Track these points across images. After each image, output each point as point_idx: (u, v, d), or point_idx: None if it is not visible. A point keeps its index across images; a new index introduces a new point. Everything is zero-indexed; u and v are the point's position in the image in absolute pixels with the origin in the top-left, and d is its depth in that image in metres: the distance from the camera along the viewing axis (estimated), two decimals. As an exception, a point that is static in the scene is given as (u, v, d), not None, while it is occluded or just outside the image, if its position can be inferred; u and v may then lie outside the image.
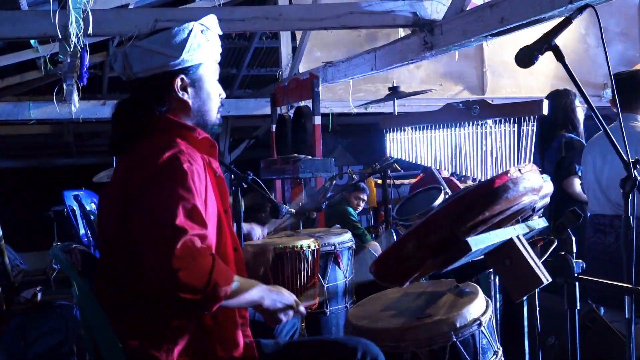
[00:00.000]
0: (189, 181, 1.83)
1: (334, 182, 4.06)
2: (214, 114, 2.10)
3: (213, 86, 2.09)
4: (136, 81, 2.03)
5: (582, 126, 4.19)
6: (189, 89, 2.03)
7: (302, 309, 2.08)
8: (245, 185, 3.14)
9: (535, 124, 3.49)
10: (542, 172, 3.01)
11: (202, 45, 2.02)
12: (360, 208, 6.18)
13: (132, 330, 1.89)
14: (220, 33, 2.11)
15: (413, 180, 6.09)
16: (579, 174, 3.90)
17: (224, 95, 2.15)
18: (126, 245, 1.87)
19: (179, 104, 2.03)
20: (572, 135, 4.08)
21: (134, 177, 1.90)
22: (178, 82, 2.00)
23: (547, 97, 4.18)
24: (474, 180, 4.48)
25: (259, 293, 1.96)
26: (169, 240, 1.74)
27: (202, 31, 2.02)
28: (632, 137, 3.33)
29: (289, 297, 2.05)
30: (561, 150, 3.93)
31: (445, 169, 4.35)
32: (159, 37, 2.02)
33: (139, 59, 2.00)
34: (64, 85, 6.02)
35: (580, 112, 4.27)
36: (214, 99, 2.09)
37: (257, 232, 3.80)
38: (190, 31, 2.00)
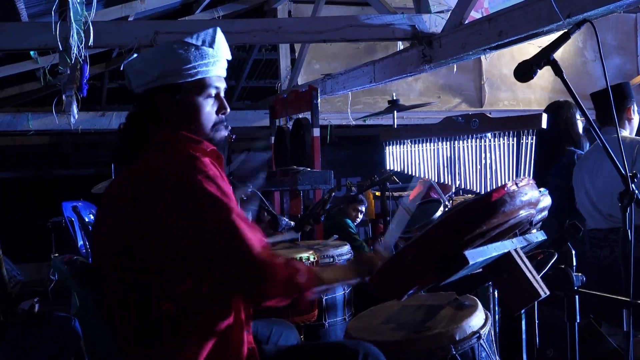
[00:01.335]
0: (224, 187, 1.85)
1: (333, 194, 4.07)
2: (205, 130, 2.05)
3: (202, 102, 2.03)
4: (137, 96, 2.06)
5: (585, 140, 4.18)
6: (176, 105, 2.01)
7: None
8: (245, 197, 3.15)
9: (534, 137, 3.50)
10: (546, 187, 3.02)
11: (188, 62, 1.98)
12: (358, 220, 6.19)
13: (138, 342, 1.89)
14: (214, 48, 2.04)
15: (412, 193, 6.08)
16: None
17: (226, 111, 2.09)
18: (134, 263, 1.87)
19: (173, 118, 2.02)
20: (580, 151, 4.07)
21: (155, 195, 1.86)
22: (165, 97, 2.00)
23: (547, 109, 4.18)
24: (465, 192, 4.46)
25: (346, 275, 2.06)
26: (243, 258, 1.78)
27: (187, 47, 1.98)
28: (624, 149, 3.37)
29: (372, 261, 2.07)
30: (572, 166, 3.88)
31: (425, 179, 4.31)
32: (146, 54, 2.06)
33: (133, 76, 2.05)
34: (64, 97, 6.03)
35: (580, 125, 4.28)
36: (203, 115, 2.03)
37: None
38: (174, 48, 1.99)
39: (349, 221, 5.81)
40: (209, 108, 2.05)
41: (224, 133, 2.10)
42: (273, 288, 1.81)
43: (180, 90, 2.00)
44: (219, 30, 2.07)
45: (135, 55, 2.12)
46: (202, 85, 2.03)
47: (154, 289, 1.86)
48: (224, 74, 2.10)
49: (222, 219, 1.81)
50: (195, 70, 2.00)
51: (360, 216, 6.20)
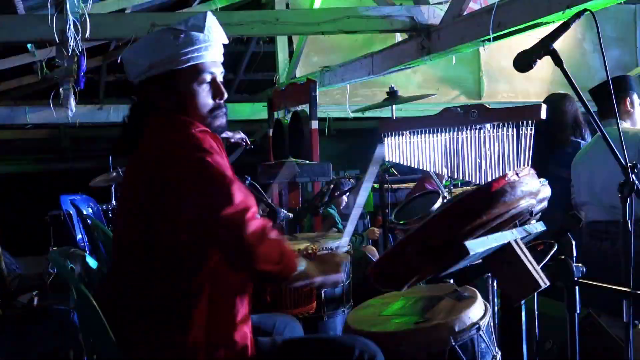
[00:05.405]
0: (221, 162, 1.86)
1: (332, 186, 4.05)
2: (202, 117, 2.02)
3: (196, 89, 2.00)
4: (134, 87, 2.07)
5: (587, 132, 4.18)
6: (171, 93, 1.99)
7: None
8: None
9: (533, 128, 3.48)
10: (549, 177, 3.05)
11: (177, 49, 1.95)
12: (344, 202, 6.09)
13: (138, 332, 1.90)
14: (204, 32, 1.98)
15: (411, 185, 6.07)
16: None
17: (223, 96, 2.05)
18: (147, 247, 1.90)
19: (169, 106, 2.00)
20: (584, 142, 4.06)
21: (164, 176, 1.87)
22: (158, 86, 1.99)
23: (546, 101, 4.16)
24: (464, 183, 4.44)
25: (314, 273, 2.03)
26: (237, 223, 1.80)
27: (176, 34, 1.95)
28: (629, 141, 3.38)
29: (336, 268, 2.09)
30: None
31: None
32: (136, 45, 2.05)
33: (129, 68, 2.05)
34: (61, 90, 6.01)
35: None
36: (199, 102, 2.01)
37: None
38: (162, 37, 1.97)
39: (334, 212, 5.73)
40: (204, 94, 2.02)
41: (222, 120, 2.07)
42: (261, 262, 1.83)
43: (173, 78, 1.98)
44: (209, 14, 2.02)
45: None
46: (196, 72, 2.00)
47: (166, 272, 1.90)
48: (220, 58, 2.05)
49: (224, 191, 1.83)
50: (187, 57, 1.96)
51: (345, 197, 6.11)
